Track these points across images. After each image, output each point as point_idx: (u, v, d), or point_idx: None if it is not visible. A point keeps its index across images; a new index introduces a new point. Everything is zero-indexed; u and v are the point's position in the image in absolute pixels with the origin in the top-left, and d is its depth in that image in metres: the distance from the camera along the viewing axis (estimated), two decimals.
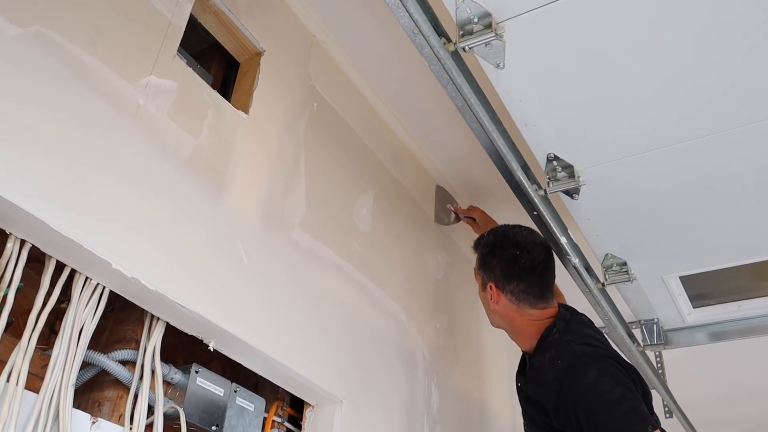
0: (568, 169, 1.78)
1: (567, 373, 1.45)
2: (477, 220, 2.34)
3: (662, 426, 1.40)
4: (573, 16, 1.36)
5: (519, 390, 1.73)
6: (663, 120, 1.62)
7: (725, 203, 1.90)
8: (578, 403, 1.41)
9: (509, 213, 2.48)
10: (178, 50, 1.42)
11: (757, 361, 2.94)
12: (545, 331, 1.61)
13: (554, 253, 1.82)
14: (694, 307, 2.53)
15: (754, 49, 1.41)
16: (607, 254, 2.12)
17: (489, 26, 1.36)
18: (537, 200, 1.87)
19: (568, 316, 1.67)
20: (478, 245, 1.79)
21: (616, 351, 1.59)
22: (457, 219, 2.48)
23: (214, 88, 1.54)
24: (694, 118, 1.61)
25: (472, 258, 2.66)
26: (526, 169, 1.83)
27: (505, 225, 1.82)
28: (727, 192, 1.84)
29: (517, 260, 1.68)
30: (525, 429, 1.73)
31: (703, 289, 2.54)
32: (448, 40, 1.42)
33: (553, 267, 1.75)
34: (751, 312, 2.47)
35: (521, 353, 1.79)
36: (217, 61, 1.76)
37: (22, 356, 1.04)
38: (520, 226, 1.80)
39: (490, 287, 1.68)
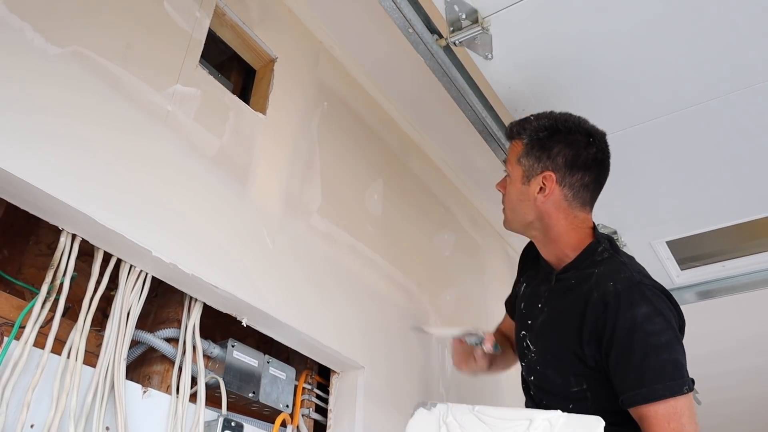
0: None
1: (617, 299, 1.19)
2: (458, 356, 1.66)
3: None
4: (552, 7, 1.38)
5: (538, 312, 1.40)
6: (646, 97, 1.64)
7: (706, 171, 1.91)
8: (617, 335, 1.16)
9: None
10: (200, 61, 1.46)
11: (743, 317, 2.93)
12: (590, 245, 1.33)
13: None
14: (681, 270, 2.55)
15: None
16: (598, 224, 2.15)
17: (476, 21, 1.39)
18: None
19: (607, 237, 1.39)
20: (522, 130, 1.37)
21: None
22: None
23: (234, 94, 1.57)
24: (675, 93, 1.62)
25: (476, 236, 2.70)
26: None
27: (553, 111, 1.39)
28: (708, 160, 1.86)
29: (588, 148, 1.32)
30: (529, 358, 1.41)
31: (689, 252, 2.55)
32: (440, 36, 1.45)
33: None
34: (734, 271, 2.48)
35: (528, 271, 1.53)
36: (236, 70, 1.80)
37: (79, 335, 1.08)
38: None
39: (546, 177, 1.32)
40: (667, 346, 1.15)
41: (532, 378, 1.39)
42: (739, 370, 3.57)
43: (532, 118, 1.38)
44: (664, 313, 1.19)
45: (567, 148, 1.31)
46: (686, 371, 1.15)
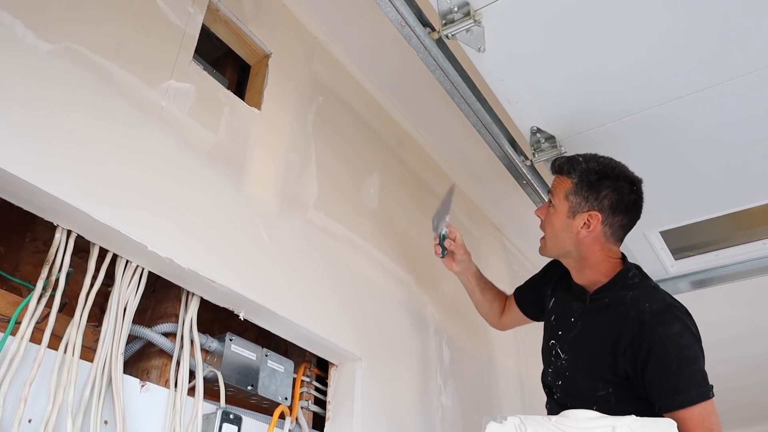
0: (551, 139, 1.79)
1: (654, 318, 1.33)
2: (456, 257, 1.80)
3: None
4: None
5: (571, 325, 1.52)
6: (635, 89, 1.62)
7: (699, 161, 1.90)
8: (654, 350, 1.30)
9: (501, 184, 2.51)
10: (195, 57, 1.44)
11: (736, 306, 2.93)
12: (621, 271, 1.47)
13: None
14: (675, 260, 2.54)
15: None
16: None
17: (468, 14, 1.37)
18: (525, 170, 1.89)
19: (635, 265, 1.54)
20: (572, 169, 1.50)
21: None
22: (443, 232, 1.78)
23: (230, 90, 1.55)
24: (663, 85, 1.61)
25: (473, 230, 2.69)
26: (513, 142, 1.85)
27: (597, 155, 1.53)
28: (701, 150, 1.85)
29: (630, 194, 1.47)
30: (558, 364, 1.52)
31: (683, 242, 2.54)
32: (433, 29, 1.44)
33: None
34: (726, 260, 2.47)
35: (556, 287, 1.64)
36: (231, 65, 1.78)
37: (75, 330, 1.07)
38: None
39: (591, 216, 1.45)
40: (696, 358, 1.30)
41: (560, 382, 1.51)
42: (733, 358, 3.57)
43: (580, 159, 1.51)
44: (692, 329, 1.34)
45: (613, 193, 1.46)
46: (708, 379, 1.30)
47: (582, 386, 1.44)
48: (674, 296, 1.42)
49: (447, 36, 1.41)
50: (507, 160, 1.88)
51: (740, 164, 1.89)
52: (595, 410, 1.25)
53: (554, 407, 1.54)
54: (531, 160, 1.85)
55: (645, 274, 1.52)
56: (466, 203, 2.70)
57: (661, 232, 2.34)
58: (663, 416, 1.27)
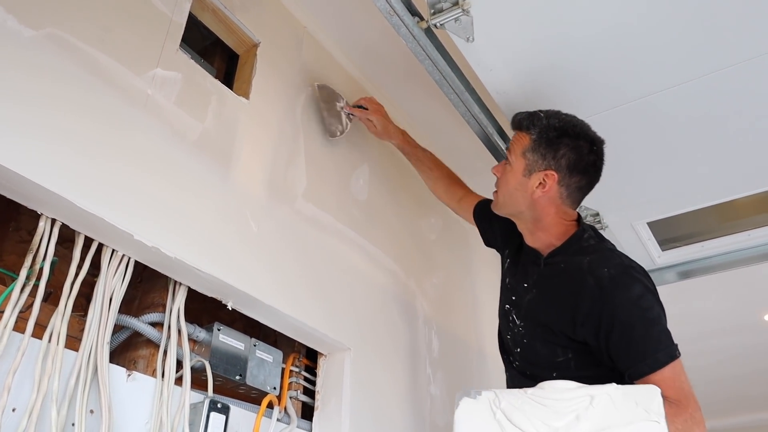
0: None
1: (613, 282, 1.27)
2: (375, 122, 1.89)
3: None
4: None
5: (524, 290, 1.47)
6: (621, 81, 1.62)
7: (686, 152, 1.90)
8: (617, 315, 1.25)
9: (490, 175, 2.50)
10: (182, 46, 1.42)
11: (721, 296, 2.95)
12: (576, 233, 1.41)
13: None
14: (662, 250, 2.55)
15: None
16: (581, 206, 2.14)
17: (456, 3, 1.36)
18: None
19: (591, 226, 1.49)
20: (532, 125, 1.43)
21: None
22: (349, 119, 1.89)
23: (218, 79, 1.54)
24: (648, 76, 1.61)
25: (463, 221, 2.68)
26: (501, 133, 1.84)
27: (560, 112, 1.46)
28: (688, 141, 1.85)
29: (589, 155, 1.40)
30: (515, 332, 1.48)
31: (670, 233, 2.55)
32: (421, 18, 1.43)
33: None
34: (712, 251, 2.48)
35: (509, 251, 1.60)
36: (219, 55, 1.76)
37: (60, 319, 1.06)
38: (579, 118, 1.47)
39: (547, 175, 1.39)
40: (658, 318, 1.26)
41: (519, 350, 1.47)
42: (719, 348, 3.60)
43: (542, 115, 1.43)
44: (652, 290, 1.29)
45: (571, 152, 1.39)
46: (672, 338, 1.26)
47: (540, 353, 1.40)
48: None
49: (435, 25, 1.40)
50: (496, 151, 1.88)
51: (726, 156, 1.89)
52: (555, 376, 1.21)
53: (515, 375, 1.50)
54: None
55: (601, 235, 1.45)
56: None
57: (648, 223, 2.35)
58: (634, 383, 1.23)
